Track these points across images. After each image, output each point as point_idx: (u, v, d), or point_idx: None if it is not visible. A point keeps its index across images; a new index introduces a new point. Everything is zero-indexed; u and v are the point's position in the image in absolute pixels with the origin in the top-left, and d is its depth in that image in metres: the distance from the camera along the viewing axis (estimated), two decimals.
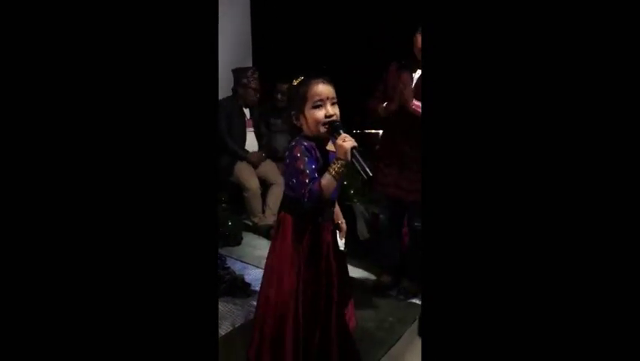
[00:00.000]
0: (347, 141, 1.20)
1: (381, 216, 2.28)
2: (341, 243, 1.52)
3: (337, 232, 1.51)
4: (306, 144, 1.30)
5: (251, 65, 3.61)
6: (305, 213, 1.33)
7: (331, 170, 1.23)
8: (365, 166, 1.18)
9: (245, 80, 3.00)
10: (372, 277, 2.44)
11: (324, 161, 1.31)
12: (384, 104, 2.06)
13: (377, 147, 2.33)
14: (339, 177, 1.23)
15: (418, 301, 2.23)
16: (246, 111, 3.12)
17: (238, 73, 3.03)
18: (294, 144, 1.31)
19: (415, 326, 2.04)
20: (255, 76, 3.03)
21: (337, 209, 1.53)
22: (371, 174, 1.19)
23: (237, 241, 2.86)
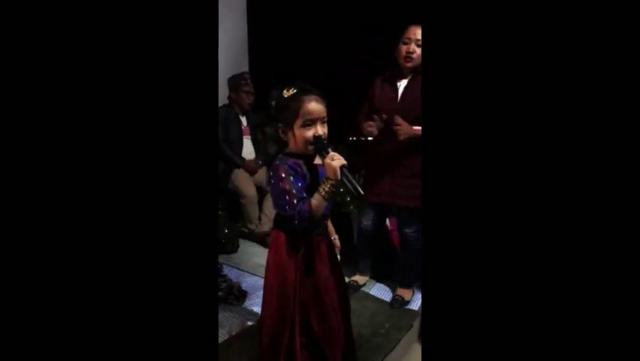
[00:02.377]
0: (336, 160, 1.16)
1: (367, 224, 2.30)
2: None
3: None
4: (290, 162, 1.26)
5: (247, 71, 3.63)
6: (297, 230, 1.31)
7: (321, 190, 1.19)
8: (356, 184, 1.15)
9: (238, 86, 3.02)
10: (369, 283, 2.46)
11: (313, 177, 1.28)
12: (368, 125, 2.05)
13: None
14: (329, 197, 1.20)
15: (414, 308, 2.24)
16: (243, 119, 3.12)
17: (231, 80, 3.05)
18: (277, 162, 1.27)
19: (411, 332, 2.05)
20: (248, 81, 3.05)
21: (330, 225, 1.51)
22: (362, 192, 1.15)
23: (234, 249, 2.86)
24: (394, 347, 1.92)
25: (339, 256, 1.50)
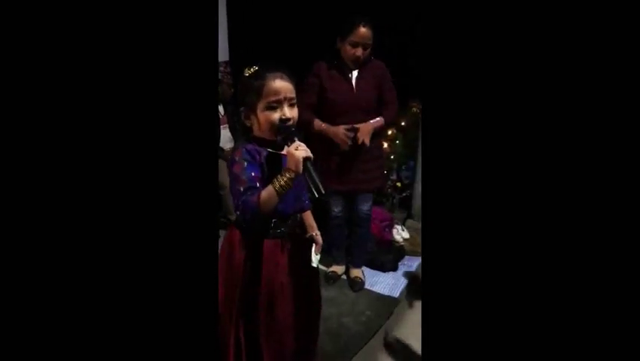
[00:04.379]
0: (300, 150, 1.01)
1: (335, 210, 2.30)
2: (315, 258, 1.31)
3: (313, 245, 1.32)
4: (249, 147, 1.10)
5: (227, 61, 3.58)
6: (249, 227, 1.15)
7: (275, 182, 1.02)
8: (318, 182, 1.00)
9: (218, 76, 2.97)
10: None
11: (275, 169, 1.08)
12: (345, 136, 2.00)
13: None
14: (283, 192, 1.02)
15: (394, 295, 2.27)
16: (220, 108, 3.09)
17: None
18: (236, 146, 1.13)
19: (390, 320, 2.07)
20: (228, 70, 3.00)
21: (311, 220, 1.36)
22: (324, 192, 1.00)
23: None
24: (375, 333, 1.95)
25: (318, 256, 1.31)
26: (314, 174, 1.01)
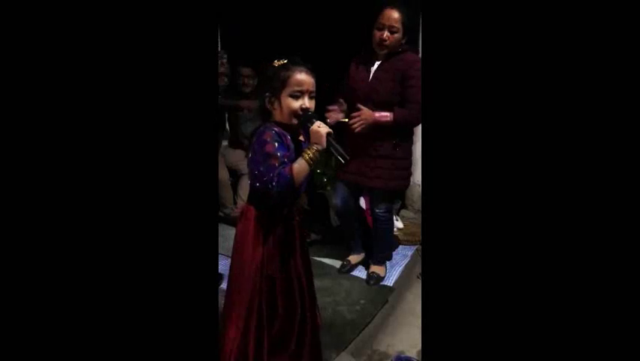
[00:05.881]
0: (322, 128, 1.19)
1: (337, 202, 2.30)
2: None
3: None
4: (276, 129, 1.25)
5: (223, 50, 3.55)
6: (270, 204, 1.29)
7: (305, 155, 1.19)
8: (341, 150, 1.20)
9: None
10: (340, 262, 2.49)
11: (296, 151, 1.27)
12: (330, 110, 2.04)
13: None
14: (312, 163, 1.20)
15: (388, 284, 2.29)
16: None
17: None
18: (262, 129, 1.26)
19: (385, 308, 2.10)
20: (224, 59, 2.96)
21: (302, 200, 1.52)
22: (348, 157, 1.21)
23: None
24: (370, 322, 1.97)
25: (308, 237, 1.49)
26: (336, 145, 1.21)
